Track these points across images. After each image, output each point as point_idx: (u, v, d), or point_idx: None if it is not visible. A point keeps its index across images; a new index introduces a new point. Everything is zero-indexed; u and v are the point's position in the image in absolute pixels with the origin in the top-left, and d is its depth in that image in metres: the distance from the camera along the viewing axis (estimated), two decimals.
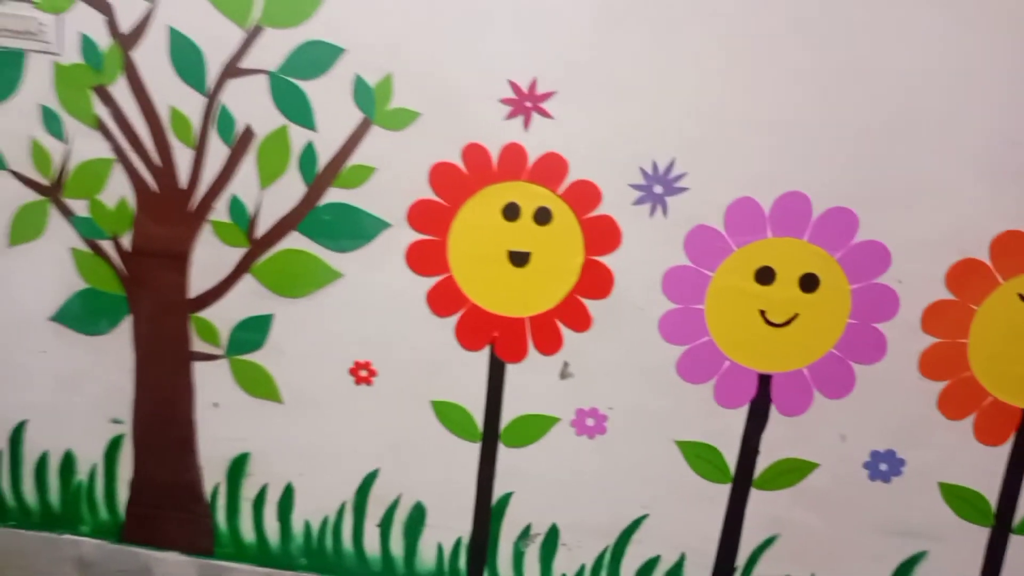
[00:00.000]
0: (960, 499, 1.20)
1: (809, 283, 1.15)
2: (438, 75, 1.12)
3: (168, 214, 1.20)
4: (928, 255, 1.11)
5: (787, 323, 1.17)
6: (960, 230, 1.10)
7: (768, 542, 1.26)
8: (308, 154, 1.16)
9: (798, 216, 1.12)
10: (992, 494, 1.20)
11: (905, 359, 1.15)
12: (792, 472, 1.22)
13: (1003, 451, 1.18)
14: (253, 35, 1.12)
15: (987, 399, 1.16)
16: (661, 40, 1.08)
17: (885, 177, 1.09)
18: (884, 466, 1.20)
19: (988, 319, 1.12)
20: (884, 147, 1.09)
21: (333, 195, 1.18)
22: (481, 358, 1.23)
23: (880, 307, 1.14)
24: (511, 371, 1.23)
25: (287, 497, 1.33)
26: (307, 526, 1.34)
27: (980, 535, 1.22)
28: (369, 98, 1.13)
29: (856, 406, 1.18)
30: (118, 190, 1.20)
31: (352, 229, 1.18)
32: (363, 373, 1.25)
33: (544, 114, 1.12)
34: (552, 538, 1.30)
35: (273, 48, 1.12)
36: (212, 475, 1.33)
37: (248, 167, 1.18)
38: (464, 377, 1.24)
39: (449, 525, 1.31)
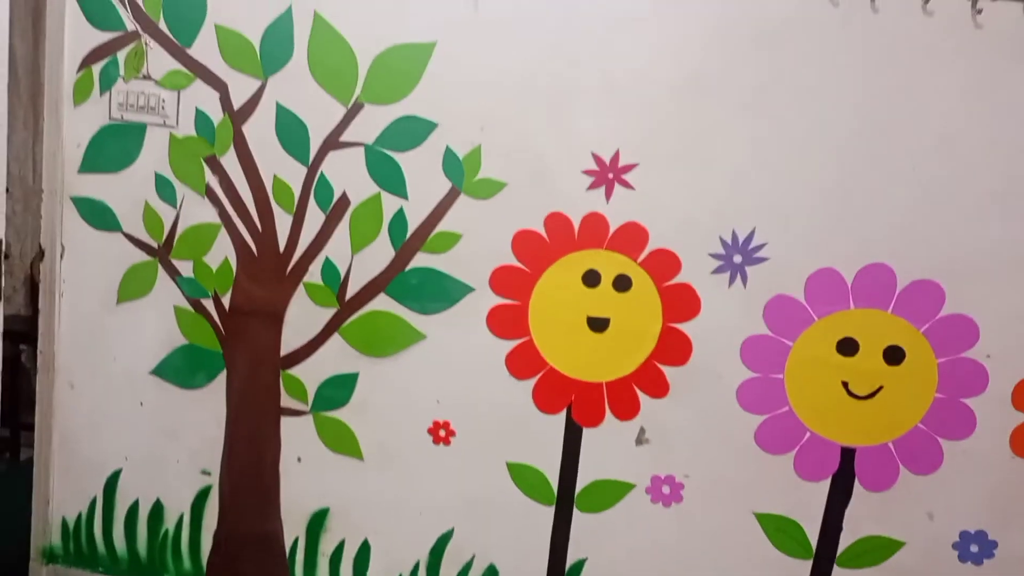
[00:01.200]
0: None
1: (894, 355, 1.13)
2: (524, 147, 1.17)
3: (266, 276, 1.27)
4: (1018, 329, 1.09)
5: (871, 395, 1.15)
6: None
7: None
8: (399, 220, 1.22)
9: (882, 288, 1.12)
10: None
11: (996, 436, 1.12)
12: (877, 550, 1.19)
13: None
14: (354, 111, 1.19)
15: None
16: (742, 112, 1.11)
17: (973, 250, 1.09)
18: (975, 547, 1.16)
19: None
20: (971, 219, 1.08)
21: (420, 260, 1.23)
22: (558, 421, 1.25)
23: (968, 382, 1.12)
24: (587, 435, 1.24)
25: (363, 553, 1.35)
26: None
27: None
28: (458, 169, 1.19)
29: (944, 483, 1.14)
30: (221, 252, 1.28)
31: (437, 292, 1.23)
32: (442, 433, 1.28)
33: (626, 185, 1.16)
34: None
35: (371, 122, 1.20)
36: (292, 528, 1.36)
37: (342, 232, 1.24)
38: (541, 440, 1.26)
39: None
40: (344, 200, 1.23)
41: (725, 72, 1.11)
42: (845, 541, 1.19)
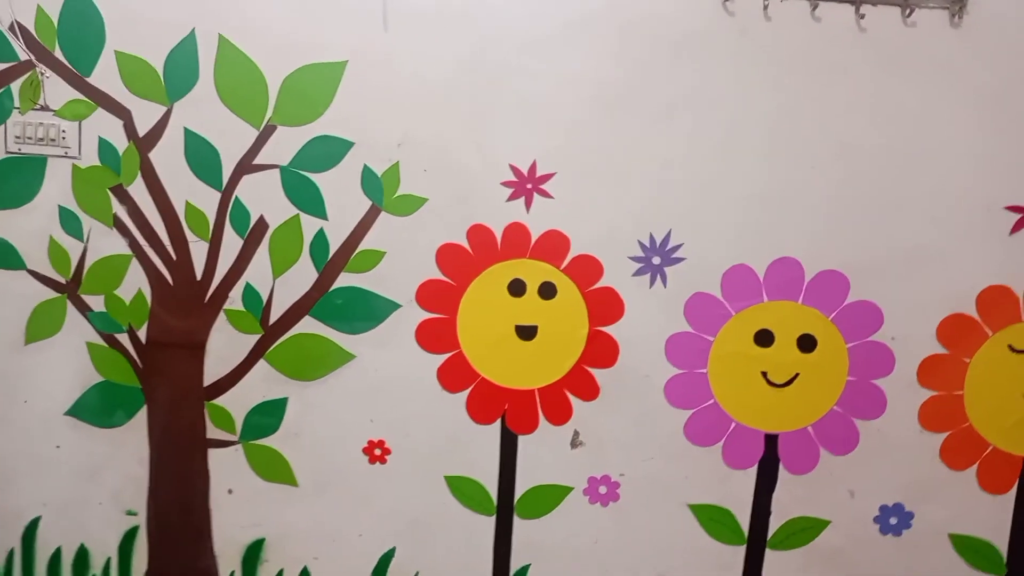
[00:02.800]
0: (970, 550, 1.22)
1: (807, 343, 1.19)
2: (443, 162, 1.18)
3: (184, 305, 1.23)
4: (919, 312, 1.16)
5: (789, 383, 1.20)
6: (947, 287, 1.16)
7: None
8: (319, 241, 1.20)
9: (792, 280, 1.17)
10: (1002, 543, 1.22)
11: (906, 413, 1.19)
12: (805, 531, 1.24)
13: (1009, 499, 1.20)
14: (266, 133, 1.18)
15: (988, 448, 1.19)
16: (654, 122, 1.15)
17: (874, 242, 1.15)
18: (894, 520, 1.22)
19: (981, 371, 1.17)
20: (872, 215, 1.15)
21: (344, 279, 1.22)
22: (493, 431, 1.26)
23: (877, 364, 1.18)
24: (523, 442, 1.26)
25: None
26: None
27: None
28: (377, 186, 1.18)
29: (862, 462, 1.21)
30: (134, 284, 1.24)
31: (364, 311, 1.22)
32: (377, 452, 1.27)
33: (544, 194, 1.18)
34: None
35: (285, 144, 1.18)
36: (227, 563, 1.32)
37: (261, 256, 1.22)
38: (477, 451, 1.26)
39: None
40: (262, 223, 1.21)
41: (635, 84, 1.14)
42: (775, 524, 1.24)
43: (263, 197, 1.20)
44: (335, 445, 1.27)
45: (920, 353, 1.17)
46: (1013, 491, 1.20)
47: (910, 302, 1.16)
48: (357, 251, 1.20)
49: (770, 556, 1.25)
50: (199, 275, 1.23)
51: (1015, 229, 1.13)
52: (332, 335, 1.23)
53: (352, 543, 1.30)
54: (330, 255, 1.21)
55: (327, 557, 1.31)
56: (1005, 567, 1.22)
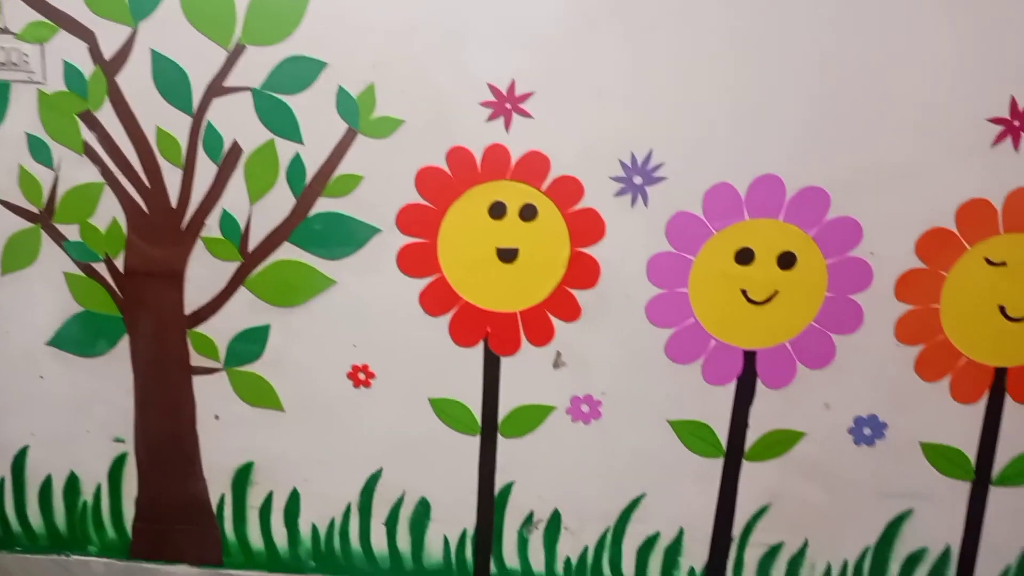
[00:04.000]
0: (941, 457, 1.26)
1: (787, 261, 1.20)
2: (419, 83, 1.15)
3: (160, 233, 1.22)
4: (898, 227, 1.17)
5: (768, 300, 1.21)
6: (927, 202, 1.16)
7: (761, 511, 1.31)
8: (296, 166, 1.18)
9: (772, 197, 1.17)
10: (971, 450, 1.26)
11: (882, 327, 1.21)
12: (781, 443, 1.27)
13: (979, 408, 1.24)
14: (236, 54, 1.14)
15: (961, 360, 1.22)
16: (634, 38, 1.12)
17: (854, 157, 1.15)
18: (868, 430, 1.26)
19: (957, 284, 1.18)
20: (853, 130, 1.14)
21: (323, 205, 1.20)
22: (476, 354, 1.27)
23: (855, 279, 1.19)
24: (506, 364, 1.27)
25: (293, 503, 1.35)
26: (314, 530, 1.36)
27: (962, 489, 1.28)
28: (353, 109, 1.16)
29: (838, 375, 1.23)
30: (109, 213, 1.22)
31: (343, 237, 1.21)
32: (361, 376, 1.28)
33: (524, 114, 1.16)
34: (555, 523, 1.34)
35: (256, 65, 1.15)
36: (217, 486, 1.35)
37: (237, 183, 1.20)
38: (460, 373, 1.27)
39: (454, 518, 1.35)
40: (236, 149, 1.18)
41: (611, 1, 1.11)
42: (752, 437, 1.27)
43: (236, 121, 1.17)
44: (319, 370, 1.28)
45: (898, 268, 1.18)
46: (983, 401, 1.23)
47: (889, 217, 1.16)
48: (335, 176, 1.19)
49: (747, 467, 1.29)
50: (174, 203, 1.21)
51: (997, 141, 1.13)
52: (312, 261, 1.23)
53: (340, 465, 1.33)
54: (307, 180, 1.19)
55: (316, 479, 1.34)
56: (974, 472, 1.26)
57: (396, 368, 1.28)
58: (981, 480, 1.27)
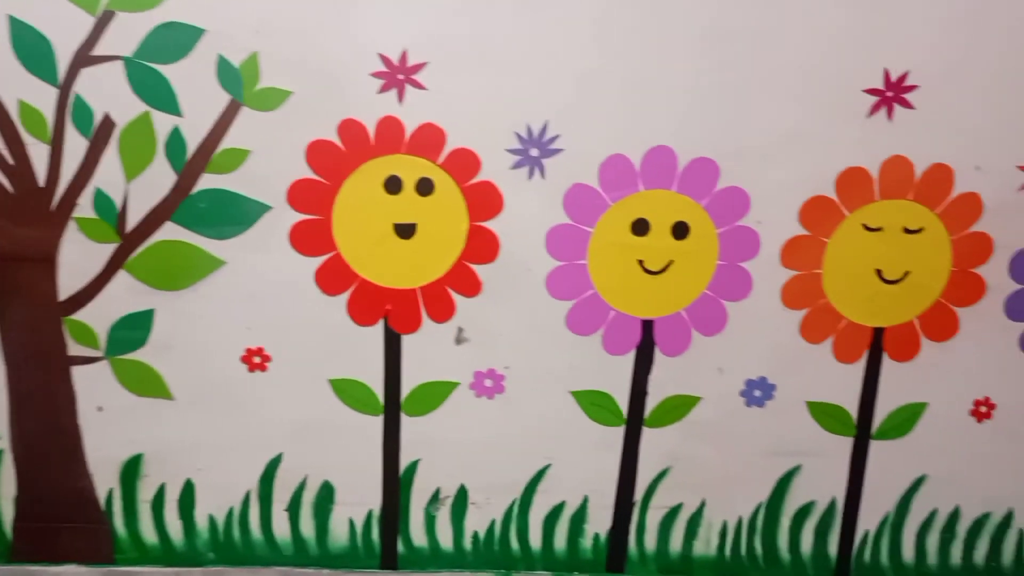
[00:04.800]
0: (825, 414, 1.33)
1: (680, 231, 1.22)
2: (306, 52, 1.10)
3: (28, 215, 1.13)
4: (782, 196, 1.21)
5: (663, 270, 1.24)
6: (810, 170, 1.20)
7: (662, 475, 1.35)
8: (175, 140, 1.12)
9: (665, 169, 1.19)
10: (852, 407, 1.33)
11: (770, 292, 1.26)
12: (679, 408, 1.31)
13: (859, 367, 1.31)
14: (104, 20, 1.06)
15: (842, 322, 1.28)
16: (528, 9, 1.11)
17: (741, 127, 1.18)
18: (758, 392, 1.31)
19: (837, 249, 1.24)
20: (737, 100, 1.17)
21: (207, 181, 1.14)
22: (376, 332, 1.24)
23: (744, 247, 1.23)
24: (407, 342, 1.25)
25: (187, 494, 1.30)
26: (212, 520, 1.32)
27: (845, 444, 1.35)
28: (236, 79, 1.10)
29: (730, 341, 1.28)
30: None
31: (231, 215, 1.16)
32: (256, 360, 1.24)
33: (417, 85, 1.13)
34: (461, 499, 1.34)
35: (127, 32, 1.07)
36: (104, 480, 1.28)
37: (111, 159, 1.12)
38: (361, 353, 1.25)
39: (359, 500, 1.32)
40: (108, 122, 1.11)
41: None
42: (651, 404, 1.31)
43: (107, 93, 1.10)
44: (210, 355, 1.22)
45: (783, 235, 1.23)
46: (863, 360, 1.30)
47: (774, 186, 1.20)
48: (218, 150, 1.13)
49: (647, 433, 1.32)
50: (42, 181, 1.12)
51: (872, 112, 1.18)
52: (198, 241, 1.17)
53: (236, 452, 1.28)
54: (188, 155, 1.13)
55: (211, 468, 1.29)
56: (855, 428, 1.34)
57: (293, 350, 1.24)
58: (862, 435, 1.35)
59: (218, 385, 1.24)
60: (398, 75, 1.12)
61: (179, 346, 1.22)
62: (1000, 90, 1.19)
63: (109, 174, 1.13)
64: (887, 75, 1.17)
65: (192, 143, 1.12)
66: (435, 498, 1.34)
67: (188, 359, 1.23)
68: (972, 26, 1.16)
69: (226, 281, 1.19)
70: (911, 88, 1.17)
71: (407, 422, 1.29)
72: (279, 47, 1.10)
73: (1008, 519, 1.40)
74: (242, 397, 1.25)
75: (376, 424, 1.29)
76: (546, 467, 1.33)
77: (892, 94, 1.17)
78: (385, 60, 1.12)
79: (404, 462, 1.31)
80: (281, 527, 1.33)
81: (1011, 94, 1.19)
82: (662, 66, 1.15)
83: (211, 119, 1.12)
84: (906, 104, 1.18)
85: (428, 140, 1.15)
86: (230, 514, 1.31)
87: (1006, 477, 1.38)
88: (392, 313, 1.23)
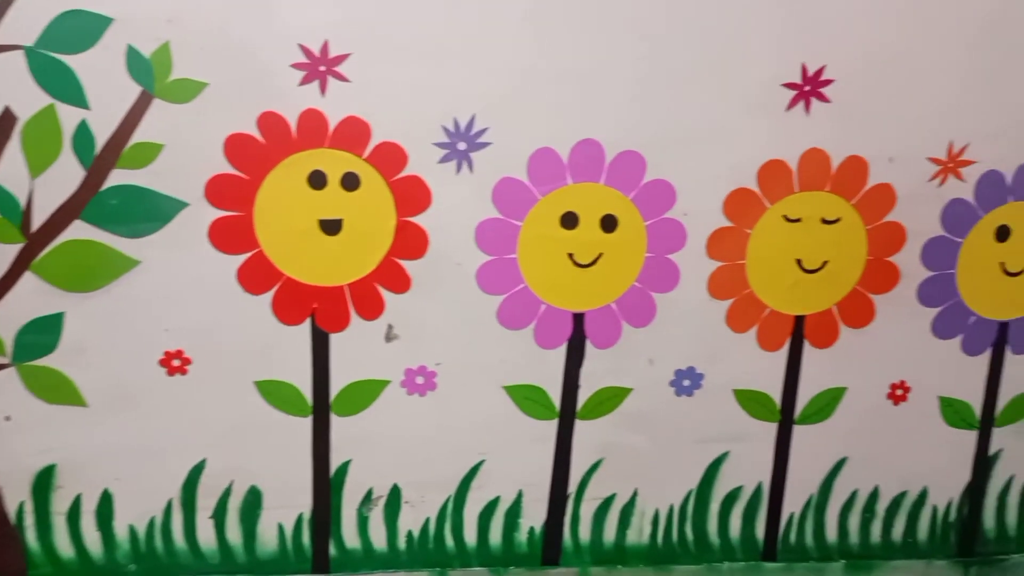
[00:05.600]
0: (751, 401, 1.36)
1: (609, 224, 1.23)
2: (222, 41, 1.06)
3: None
4: (707, 188, 1.23)
5: (593, 263, 1.25)
6: (732, 163, 1.23)
7: (595, 466, 1.36)
8: (83, 134, 1.06)
9: (593, 161, 1.20)
10: (776, 393, 1.37)
11: (696, 284, 1.28)
12: (610, 399, 1.32)
13: (782, 355, 1.35)
14: (2, 7, 1.00)
15: (766, 311, 1.31)
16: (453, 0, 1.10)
17: (666, 120, 1.19)
18: (687, 382, 1.33)
19: (760, 240, 1.27)
20: (664, 94, 1.18)
21: (118, 177, 1.09)
22: (303, 331, 1.21)
23: (671, 239, 1.25)
24: (335, 340, 1.22)
25: (105, 504, 1.24)
26: (132, 531, 1.26)
27: (770, 430, 1.39)
28: (146, 69, 1.05)
29: (659, 332, 1.29)
30: None
31: (145, 212, 1.11)
32: (176, 363, 1.19)
33: (340, 78, 1.10)
34: (395, 498, 1.32)
35: (27, 20, 1.01)
36: (15, 493, 1.21)
37: (13, 154, 1.06)
38: (287, 353, 1.21)
39: (288, 504, 1.29)
40: (9, 116, 1.04)
41: None
42: (583, 397, 1.31)
43: (7, 84, 1.03)
44: (127, 359, 1.17)
45: (708, 227, 1.25)
46: (785, 348, 1.34)
47: (699, 179, 1.22)
48: (130, 144, 1.08)
49: (580, 425, 1.33)
50: None
51: (791, 105, 1.21)
52: (110, 240, 1.11)
53: (157, 460, 1.23)
54: (97, 150, 1.07)
55: (130, 477, 1.23)
56: (779, 414, 1.38)
57: (215, 351, 1.19)
58: (786, 420, 1.38)
59: (135, 390, 1.19)
60: (320, 66, 1.09)
61: (92, 350, 1.16)
62: (912, 83, 1.23)
63: (12, 170, 1.07)
64: (804, 69, 1.20)
65: (101, 137, 1.07)
66: (367, 498, 1.32)
67: (102, 364, 1.17)
68: (885, 20, 1.20)
69: (141, 281, 1.14)
70: (827, 82, 1.20)
71: (337, 422, 1.27)
72: (193, 37, 1.05)
73: (923, 497, 1.47)
74: (162, 402, 1.20)
75: (305, 425, 1.26)
76: (480, 463, 1.33)
77: (809, 88, 1.20)
78: (306, 51, 1.08)
79: (335, 463, 1.29)
80: (206, 535, 1.28)
81: (922, 87, 1.24)
82: (589, 59, 1.15)
83: (121, 112, 1.06)
84: (823, 98, 1.21)
85: (353, 134, 1.13)
86: (151, 524, 1.26)
87: (921, 457, 1.44)
88: (319, 311, 1.20)
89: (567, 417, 1.32)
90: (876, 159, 1.26)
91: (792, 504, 1.43)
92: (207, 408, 1.22)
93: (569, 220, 1.22)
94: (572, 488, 1.36)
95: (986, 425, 1.44)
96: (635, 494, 1.38)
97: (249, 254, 1.16)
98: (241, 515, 1.28)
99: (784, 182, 1.24)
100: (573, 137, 1.18)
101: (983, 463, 1.46)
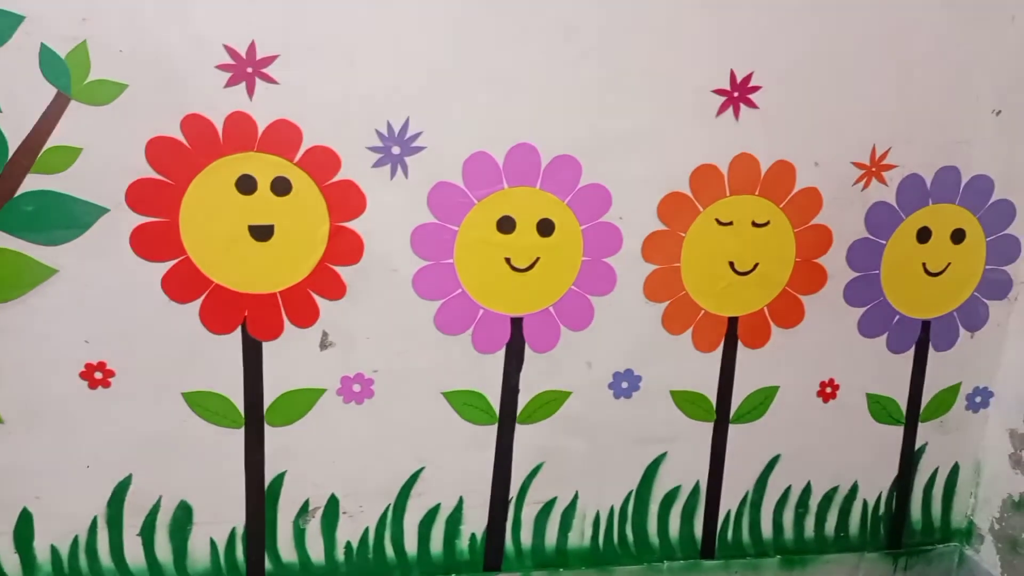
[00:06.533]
0: (688, 402, 1.38)
1: (546, 228, 1.23)
2: (141, 41, 1.02)
3: None
4: (642, 192, 1.24)
5: (530, 267, 1.25)
6: (666, 168, 1.24)
7: (536, 470, 1.36)
8: None
9: (529, 166, 1.19)
10: (711, 393, 1.39)
11: (632, 287, 1.29)
12: (550, 403, 1.32)
13: (717, 356, 1.37)
14: None
15: (700, 313, 1.33)
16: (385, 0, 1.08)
17: (600, 125, 1.20)
18: (625, 384, 1.34)
19: (694, 243, 1.29)
20: (599, 99, 1.18)
21: (33, 182, 1.04)
22: (234, 340, 1.18)
23: (607, 243, 1.26)
24: (268, 349, 1.19)
25: (25, 524, 1.18)
26: (54, 551, 1.21)
27: (706, 429, 1.41)
28: (62, 70, 1.01)
29: (597, 335, 1.30)
30: None
31: (62, 218, 1.06)
32: (98, 375, 1.14)
33: (268, 79, 1.08)
34: (332, 509, 1.30)
35: None
36: None
37: None
38: (217, 363, 1.18)
39: (220, 518, 1.25)
40: None
41: None
42: (523, 400, 1.31)
43: None
44: (45, 372, 1.12)
45: (643, 230, 1.26)
46: (720, 349, 1.36)
47: (633, 183, 1.23)
48: (45, 148, 1.03)
49: (520, 430, 1.32)
50: None
51: (720, 111, 1.23)
52: (25, 248, 1.06)
53: (79, 477, 1.18)
54: (10, 153, 1.02)
55: (50, 495, 1.18)
56: (715, 413, 1.40)
57: (140, 363, 1.15)
58: (721, 419, 1.41)
59: (55, 404, 1.14)
60: (247, 68, 1.06)
61: (8, 364, 1.11)
62: (836, 89, 1.26)
63: None
64: (733, 76, 1.22)
65: (14, 140, 1.02)
66: (304, 510, 1.29)
67: (19, 378, 1.12)
68: (810, 28, 1.23)
69: (59, 291, 1.09)
70: (755, 89, 1.23)
71: (271, 433, 1.23)
72: (111, 36, 1.01)
73: (854, 491, 1.51)
74: (83, 416, 1.15)
75: (237, 437, 1.22)
76: (420, 470, 1.31)
77: (738, 94, 1.22)
78: (231, 52, 1.05)
79: (269, 475, 1.25)
80: (134, 553, 1.24)
81: (846, 93, 1.27)
82: (522, 64, 1.15)
83: (35, 114, 1.02)
84: (751, 104, 1.24)
85: (283, 137, 1.10)
86: (75, 543, 1.21)
87: (851, 452, 1.48)
88: (251, 319, 1.17)
89: (507, 422, 1.32)
90: (803, 163, 1.29)
91: (729, 502, 1.46)
92: (133, 421, 1.17)
93: (506, 224, 1.22)
94: (513, 493, 1.36)
95: (911, 420, 1.49)
96: (576, 497, 1.39)
97: (175, 261, 1.12)
98: (171, 531, 1.24)
99: (716, 186, 1.26)
100: (509, 141, 1.18)
101: (909, 457, 1.51)
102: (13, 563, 1.20)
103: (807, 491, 1.49)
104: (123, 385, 1.15)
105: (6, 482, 1.16)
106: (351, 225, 1.16)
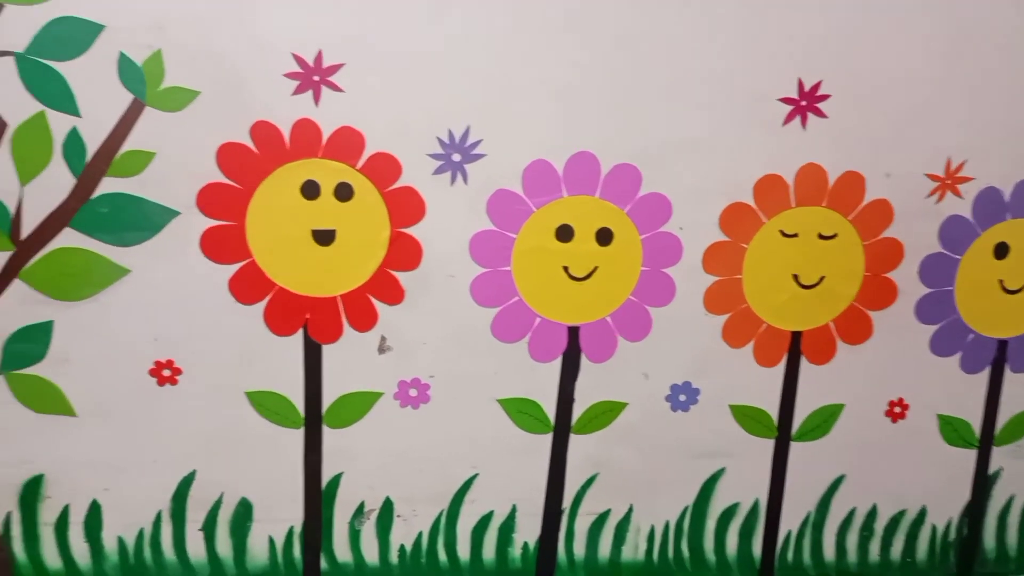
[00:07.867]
0: (748, 417, 1.35)
1: (604, 237, 1.22)
2: (214, 50, 1.06)
3: None
4: (703, 202, 1.22)
5: (588, 276, 1.24)
6: (728, 177, 1.22)
7: (590, 481, 1.34)
8: (74, 142, 1.05)
9: (589, 174, 1.19)
10: (773, 409, 1.35)
11: (692, 298, 1.27)
12: (605, 414, 1.31)
13: (779, 371, 1.33)
14: None
15: (762, 326, 1.30)
16: (447, 10, 1.09)
17: (661, 134, 1.18)
18: (683, 397, 1.32)
19: (756, 255, 1.26)
20: (657, 106, 1.17)
21: (109, 185, 1.08)
22: (295, 342, 1.20)
23: (667, 253, 1.24)
24: (328, 352, 1.21)
25: (94, 515, 1.23)
26: (121, 542, 1.25)
27: (767, 446, 1.37)
28: (138, 77, 1.04)
29: (654, 346, 1.28)
30: None
31: (135, 220, 1.10)
32: (166, 373, 1.18)
33: (334, 87, 1.10)
34: (387, 512, 1.31)
35: (18, 26, 1.00)
36: (1, 504, 1.20)
37: (3, 161, 1.05)
38: (279, 363, 1.20)
39: (279, 516, 1.28)
40: None
41: None
42: (578, 411, 1.30)
43: None
44: (116, 369, 1.16)
45: (704, 241, 1.24)
46: (782, 364, 1.33)
47: (695, 192, 1.21)
48: (121, 152, 1.07)
49: (574, 440, 1.31)
50: None
51: (787, 120, 1.20)
52: (100, 248, 1.11)
53: (146, 470, 1.22)
54: (88, 157, 1.06)
55: (119, 487, 1.22)
56: (776, 430, 1.36)
57: (206, 362, 1.18)
58: (783, 436, 1.37)
59: (125, 400, 1.18)
60: (313, 76, 1.09)
61: (81, 360, 1.15)
62: (909, 99, 1.22)
63: (1, 177, 1.06)
64: (801, 84, 1.19)
65: (92, 145, 1.06)
66: (359, 512, 1.30)
67: (91, 373, 1.16)
68: (882, 36, 1.19)
69: (131, 290, 1.13)
70: (824, 97, 1.20)
71: (329, 434, 1.25)
72: (184, 45, 1.05)
73: (922, 516, 1.45)
74: (151, 412, 1.19)
75: (296, 437, 1.24)
76: (473, 477, 1.31)
77: (806, 103, 1.20)
78: (299, 60, 1.08)
79: (326, 476, 1.27)
80: (196, 547, 1.27)
81: (920, 103, 1.23)
82: (584, 72, 1.15)
83: (112, 120, 1.06)
84: (819, 113, 1.20)
85: (346, 144, 1.12)
86: (140, 535, 1.25)
87: (920, 475, 1.42)
88: (312, 322, 1.19)
89: (561, 431, 1.31)
90: (873, 175, 1.25)
91: (789, 522, 1.42)
92: (197, 419, 1.21)
93: (564, 233, 1.21)
94: (567, 503, 1.35)
95: (985, 444, 1.43)
96: (630, 510, 1.37)
97: (241, 264, 1.15)
98: (231, 527, 1.27)
99: (780, 197, 1.23)
100: (568, 149, 1.18)
101: (983, 482, 1.45)
102: (83, 552, 1.24)
103: (872, 514, 1.44)
104: (190, 383, 1.19)
105: (78, 473, 1.20)
106: (411, 231, 1.18)
